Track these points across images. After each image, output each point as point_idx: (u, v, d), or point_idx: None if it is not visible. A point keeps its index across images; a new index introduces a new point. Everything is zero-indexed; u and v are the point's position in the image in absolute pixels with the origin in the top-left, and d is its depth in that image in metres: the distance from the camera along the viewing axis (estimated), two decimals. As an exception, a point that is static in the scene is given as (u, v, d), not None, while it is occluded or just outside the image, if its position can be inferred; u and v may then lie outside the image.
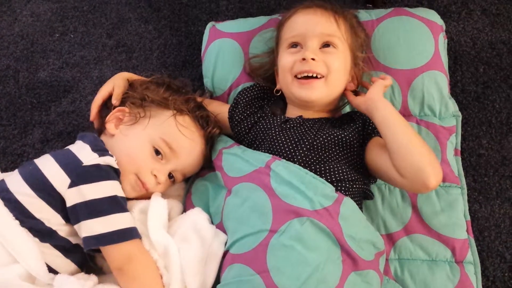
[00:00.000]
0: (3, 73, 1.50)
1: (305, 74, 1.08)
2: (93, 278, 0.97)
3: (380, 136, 1.04)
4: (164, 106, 1.10)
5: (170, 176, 1.10)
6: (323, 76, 1.08)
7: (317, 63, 1.07)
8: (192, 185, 1.17)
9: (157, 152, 1.06)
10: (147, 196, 1.07)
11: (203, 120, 1.14)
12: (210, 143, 1.15)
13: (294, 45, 1.12)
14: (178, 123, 1.08)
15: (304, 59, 1.07)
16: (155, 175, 1.05)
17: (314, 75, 1.08)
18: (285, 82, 1.12)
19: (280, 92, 1.17)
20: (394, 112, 1.01)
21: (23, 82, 1.48)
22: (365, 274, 0.93)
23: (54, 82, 1.48)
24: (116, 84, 1.15)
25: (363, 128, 1.09)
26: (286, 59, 1.11)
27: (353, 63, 1.14)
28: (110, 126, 1.09)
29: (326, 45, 1.10)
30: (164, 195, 1.11)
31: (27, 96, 1.45)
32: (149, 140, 1.06)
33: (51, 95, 1.45)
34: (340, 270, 0.91)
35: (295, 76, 1.09)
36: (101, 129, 1.13)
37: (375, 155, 1.04)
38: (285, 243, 0.91)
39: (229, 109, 1.19)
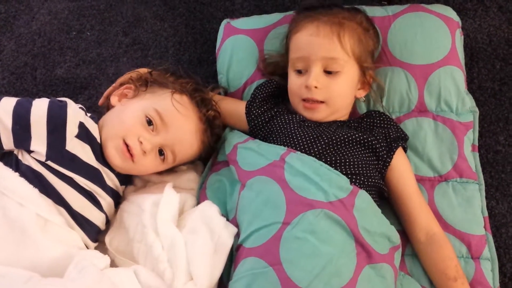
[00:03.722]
0: (21, 70, 1.52)
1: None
2: (106, 258, 0.98)
3: (403, 147, 1.12)
4: (165, 86, 1.13)
5: (161, 153, 1.10)
6: (324, 101, 1.10)
7: (319, 91, 1.08)
8: (207, 180, 1.17)
9: (149, 123, 1.07)
10: (134, 170, 1.09)
11: (201, 102, 1.15)
12: (208, 127, 1.15)
13: (299, 69, 1.12)
14: (173, 99, 1.10)
15: (307, 86, 1.08)
16: (140, 142, 1.05)
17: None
18: (293, 101, 1.15)
19: None
20: None
21: (40, 79, 1.50)
22: (379, 268, 0.93)
23: (71, 79, 1.49)
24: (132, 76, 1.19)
25: (385, 136, 1.10)
26: (293, 82, 1.13)
27: (361, 73, 1.13)
28: (113, 98, 1.14)
29: (328, 69, 1.09)
30: (177, 188, 1.12)
31: (44, 93, 1.46)
32: (142, 109, 1.08)
33: (67, 92, 1.46)
34: (354, 263, 0.90)
35: (301, 98, 1.11)
36: (108, 108, 1.17)
37: (393, 180, 1.09)
38: (298, 235, 0.91)
39: (246, 103, 1.20)
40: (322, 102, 1.10)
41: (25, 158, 1.00)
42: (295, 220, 0.92)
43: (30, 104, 1.00)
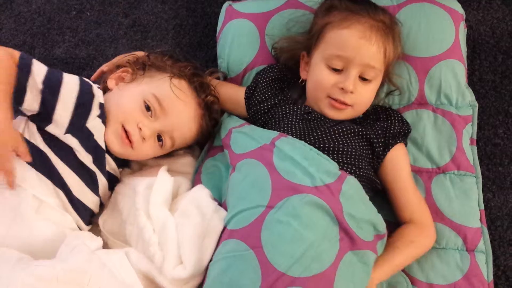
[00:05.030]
0: (19, 49, 1.47)
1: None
2: (98, 240, 0.99)
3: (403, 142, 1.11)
4: (163, 70, 1.12)
5: (159, 138, 1.09)
6: (352, 105, 1.08)
7: (352, 96, 1.06)
8: (202, 165, 1.16)
9: (148, 109, 1.07)
10: (133, 155, 1.09)
11: (200, 86, 1.14)
12: (207, 112, 1.15)
13: (335, 68, 1.07)
14: (172, 84, 1.09)
15: (343, 88, 1.05)
16: (140, 128, 1.05)
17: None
18: (316, 95, 1.10)
19: (304, 82, 1.15)
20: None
21: (38, 58, 1.44)
22: (362, 254, 0.92)
23: (69, 59, 1.48)
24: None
25: (385, 131, 1.09)
26: (324, 78, 1.07)
27: (385, 76, 1.13)
28: (110, 82, 1.13)
29: (365, 77, 1.07)
30: (173, 172, 1.11)
31: (42, 72, 1.45)
32: (140, 94, 1.07)
33: (65, 72, 1.44)
34: (337, 248, 0.89)
35: (328, 95, 1.08)
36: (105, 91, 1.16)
37: (386, 174, 1.08)
38: (280, 219, 0.90)
39: (246, 89, 1.19)
40: (350, 105, 1.08)
41: (32, 137, 1.00)
42: (279, 204, 0.91)
43: (61, 75, 1.02)
